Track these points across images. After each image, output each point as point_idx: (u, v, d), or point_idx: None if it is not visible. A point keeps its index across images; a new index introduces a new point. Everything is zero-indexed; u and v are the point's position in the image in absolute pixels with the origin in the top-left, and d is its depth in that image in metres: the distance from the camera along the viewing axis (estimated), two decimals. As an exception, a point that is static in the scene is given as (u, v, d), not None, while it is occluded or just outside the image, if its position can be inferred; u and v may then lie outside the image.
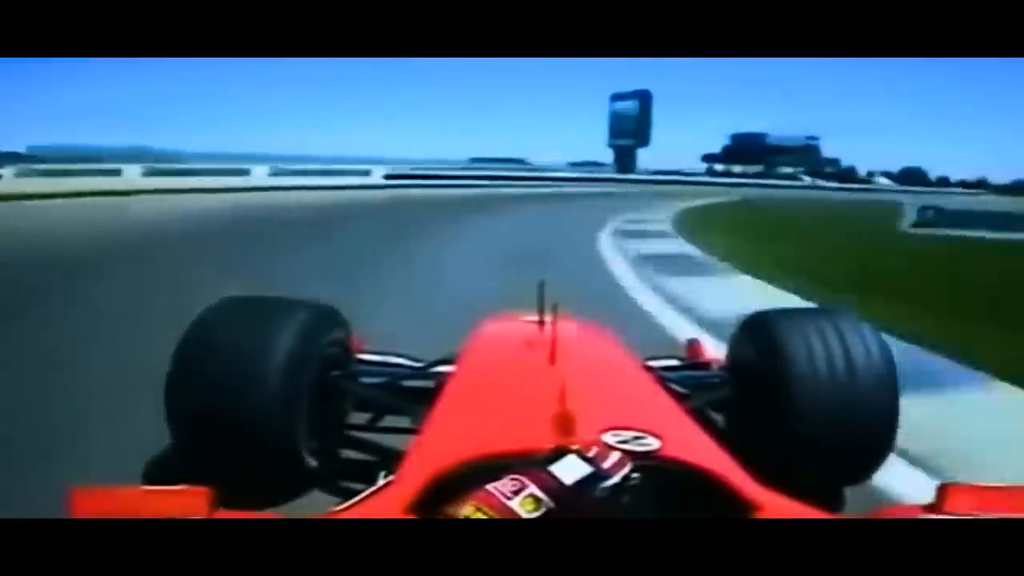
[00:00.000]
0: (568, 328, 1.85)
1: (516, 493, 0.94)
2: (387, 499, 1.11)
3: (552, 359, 1.58)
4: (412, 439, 1.49)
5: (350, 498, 1.23)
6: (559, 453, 1.02)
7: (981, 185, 75.73)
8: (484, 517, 0.92)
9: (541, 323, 1.90)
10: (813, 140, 79.45)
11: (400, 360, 2.46)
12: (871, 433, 1.88)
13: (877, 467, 1.92)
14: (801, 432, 1.85)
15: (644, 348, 2.34)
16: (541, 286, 1.96)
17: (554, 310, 1.77)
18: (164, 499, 1.00)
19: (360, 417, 2.23)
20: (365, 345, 2.61)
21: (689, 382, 2.22)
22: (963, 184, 74.44)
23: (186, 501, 0.98)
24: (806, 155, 76.43)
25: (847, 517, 1.08)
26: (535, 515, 0.92)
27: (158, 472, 2.07)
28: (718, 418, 2.27)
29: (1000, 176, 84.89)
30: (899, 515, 1.07)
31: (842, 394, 1.85)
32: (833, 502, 1.92)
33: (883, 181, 72.52)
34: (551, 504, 0.93)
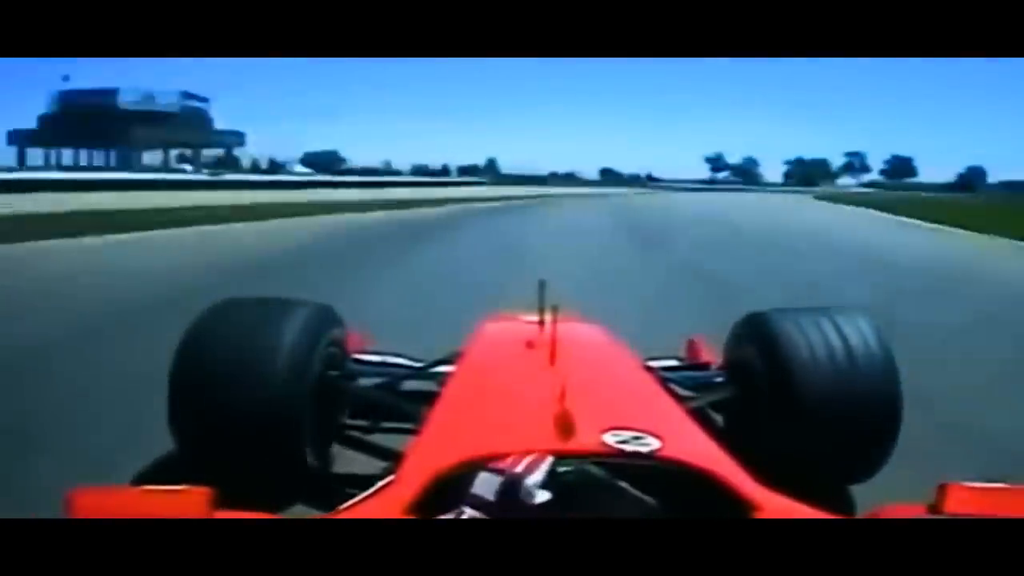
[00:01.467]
0: (568, 328, 1.85)
1: None
2: (387, 499, 1.11)
3: (552, 359, 1.58)
4: (412, 439, 1.49)
5: (350, 498, 1.23)
6: (471, 476, 1.06)
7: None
8: None
9: (541, 323, 1.90)
10: (198, 103, 48.67)
11: (400, 360, 2.46)
12: (875, 427, 1.89)
13: (882, 462, 1.92)
14: (806, 428, 1.85)
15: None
16: (542, 286, 1.96)
17: (554, 310, 1.77)
18: (164, 499, 1.00)
19: (360, 417, 2.22)
20: (367, 344, 2.61)
21: (689, 382, 2.22)
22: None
23: (186, 501, 0.98)
24: (188, 126, 45.72)
25: (847, 517, 1.08)
26: None
27: (159, 471, 2.07)
28: (718, 418, 2.27)
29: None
30: (899, 515, 1.07)
31: (845, 388, 1.85)
32: (833, 502, 1.93)
33: (299, 168, 58.46)
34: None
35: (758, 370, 2.03)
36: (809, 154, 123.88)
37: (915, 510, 1.07)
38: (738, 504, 1.08)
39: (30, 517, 0.85)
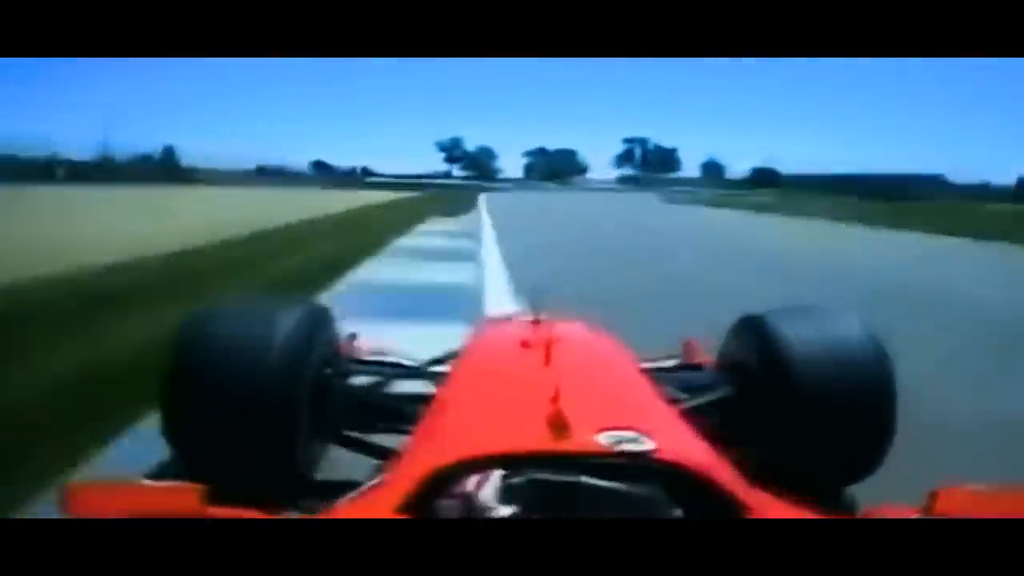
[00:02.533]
0: (564, 329, 1.85)
1: None
2: (382, 498, 1.12)
3: (547, 359, 1.58)
4: (408, 439, 1.49)
5: (344, 497, 1.23)
6: (434, 494, 1.06)
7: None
8: None
9: (537, 323, 1.90)
10: None
11: (396, 360, 2.46)
12: (871, 426, 1.91)
13: (878, 462, 1.93)
14: (801, 428, 1.86)
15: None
16: (540, 287, 1.96)
17: (550, 311, 1.77)
18: (158, 496, 1.00)
19: (356, 417, 2.23)
20: (365, 344, 2.61)
21: (684, 383, 2.23)
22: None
23: (180, 498, 0.99)
24: None
25: (842, 518, 1.09)
26: None
27: (156, 469, 2.07)
28: (713, 419, 2.28)
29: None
30: (893, 515, 1.07)
31: (840, 388, 1.87)
32: (828, 502, 1.94)
33: None
34: None
35: (753, 370, 2.04)
36: (552, 144, 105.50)
37: (909, 511, 1.07)
38: (731, 505, 1.09)
39: (27, 516, 0.85)
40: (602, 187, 71.14)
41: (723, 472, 1.15)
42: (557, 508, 1.01)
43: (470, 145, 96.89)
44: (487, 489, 1.01)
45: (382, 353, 2.52)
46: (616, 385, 1.67)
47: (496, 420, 1.32)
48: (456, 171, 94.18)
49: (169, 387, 1.81)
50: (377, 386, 2.27)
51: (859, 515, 1.09)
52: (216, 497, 1.02)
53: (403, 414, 1.93)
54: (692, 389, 2.18)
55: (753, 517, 1.06)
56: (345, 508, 1.17)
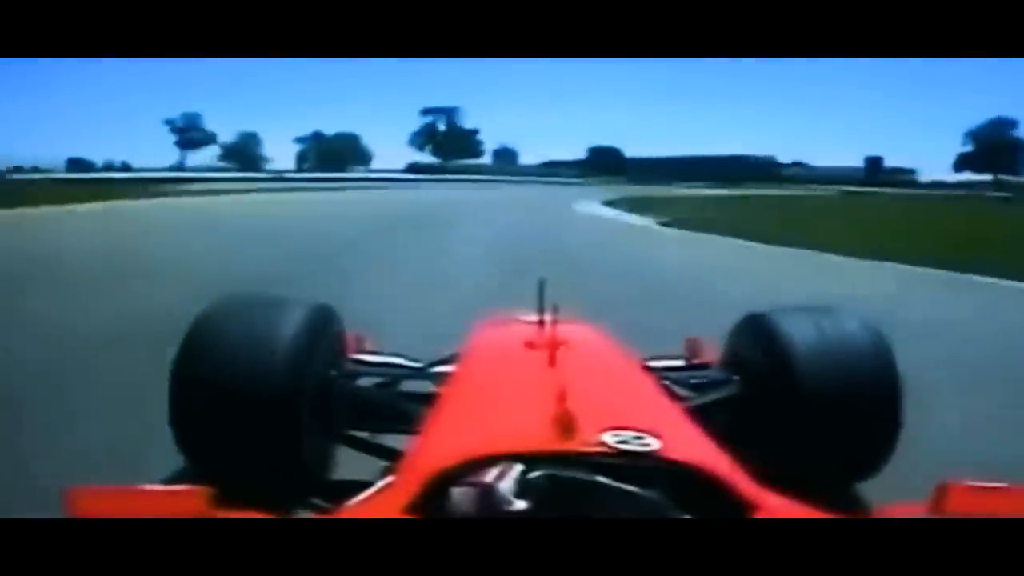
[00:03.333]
0: (568, 329, 1.85)
1: None
2: (387, 499, 1.11)
3: (552, 360, 1.58)
4: (412, 439, 1.49)
5: (350, 498, 1.23)
6: (439, 494, 1.05)
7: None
8: None
9: (541, 323, 1.90)
10: None
11: (400, 360, 2.46)
12: (876, 424, 1.90)
13: (884, 460, 1.92)
14: (807, 427, 1.86)
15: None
16: (541, 286, 1.95)
17: (554, 310, 1.77)
18: (163, 498, 1.00)
19: (360, 418, 2.23)
20: (366, 345, 2.61)
21: (689, 382, 2.22)
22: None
23: (185, 500, 0.98)
24: None
25: (847, 517, 1.08)
26: None
27: (159, 471, 2.07)
28: (718, 418, 2.27)
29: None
30: (899, 515, 1.07)
31: (845, 386, 1.87)
32: (833, 502, 1.93)
33: None
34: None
35: (758, 369, 2.03)
36: (330, 127, 78.35)
37: (915, 510, 1.07)
38: (737, 504, 1.08)
39: (29, 517, 0.85)
40: (393, 177, 53.45)
41: (730, 471, 1.15)
42: (564, 508, 1.01)
43: (223, 127, 73.81)
44: (498, 485, 1.01)
45: (387, 353, 2.52)
46: (622, 384, 1.67)
47: (503, 420, 1.32)
48: (206, 161, 67.43)
49: (175, 386, 1.82)
50: (382, 386, 2.27)
51: (868, 514, 1.09)
52: (222, 500, 1.01)
53: (407, 414, 1.93)
54: (697, 388, 2.18)
55: (761, 516, 1.06)
56: (352, 509, 1.17)
